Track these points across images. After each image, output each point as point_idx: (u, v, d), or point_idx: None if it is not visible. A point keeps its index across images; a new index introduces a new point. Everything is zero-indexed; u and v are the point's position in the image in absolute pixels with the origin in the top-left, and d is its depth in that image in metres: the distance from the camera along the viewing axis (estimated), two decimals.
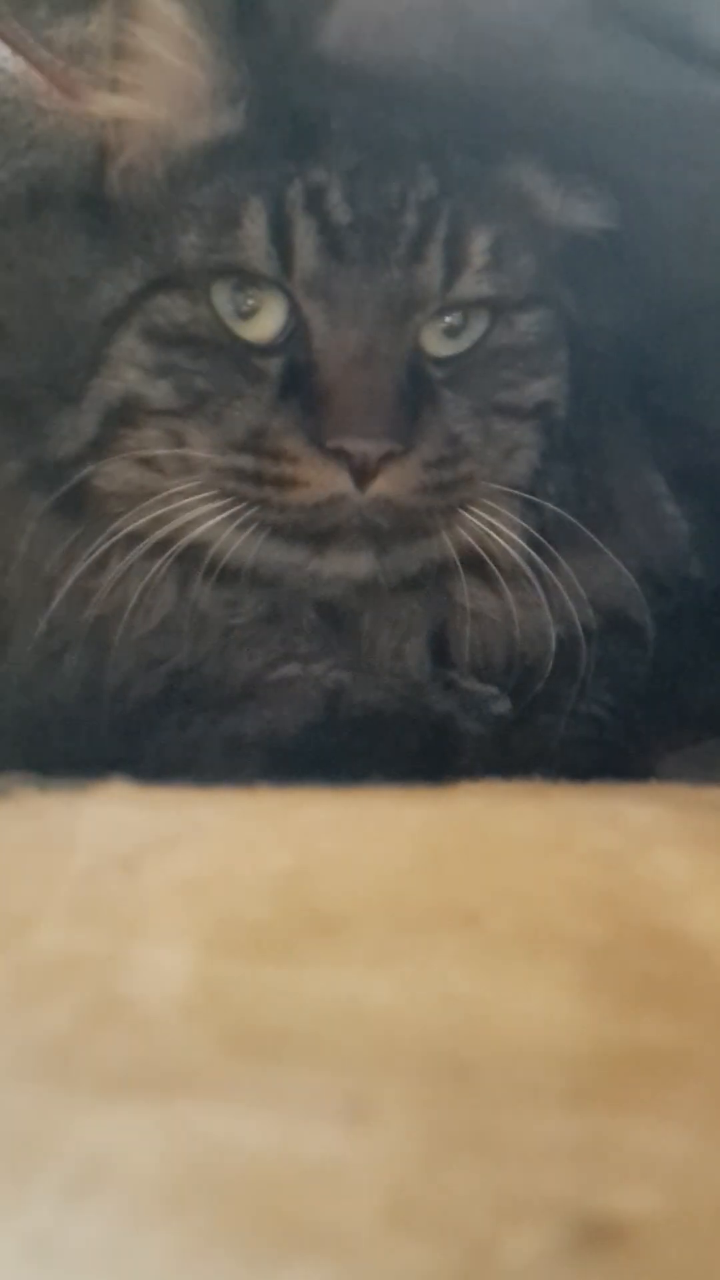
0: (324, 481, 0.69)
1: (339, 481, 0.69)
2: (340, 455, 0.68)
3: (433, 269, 0.71)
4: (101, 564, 0.71)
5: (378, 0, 0.79)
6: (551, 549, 0.75)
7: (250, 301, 0.71)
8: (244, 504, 0.70)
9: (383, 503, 0.69)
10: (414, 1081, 0.39)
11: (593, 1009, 0.42)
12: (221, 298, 0.71)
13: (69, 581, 0.71)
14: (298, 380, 0.70)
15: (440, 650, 0.76)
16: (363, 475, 0.68)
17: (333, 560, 0.72)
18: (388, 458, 0.69)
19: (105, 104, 0.75)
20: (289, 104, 0.73)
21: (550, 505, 0.75)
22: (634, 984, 0.44)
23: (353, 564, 0.72)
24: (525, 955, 0.45)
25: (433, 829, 0.52)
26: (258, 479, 0.69)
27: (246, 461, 0.70)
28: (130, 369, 0.72)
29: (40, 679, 0.73)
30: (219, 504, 0.70)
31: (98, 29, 0.74)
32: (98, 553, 0.71)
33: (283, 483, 0.69)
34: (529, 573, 0.74)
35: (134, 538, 0.71)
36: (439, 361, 0.72)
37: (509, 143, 0.75)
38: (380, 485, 0.69)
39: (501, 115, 0.74)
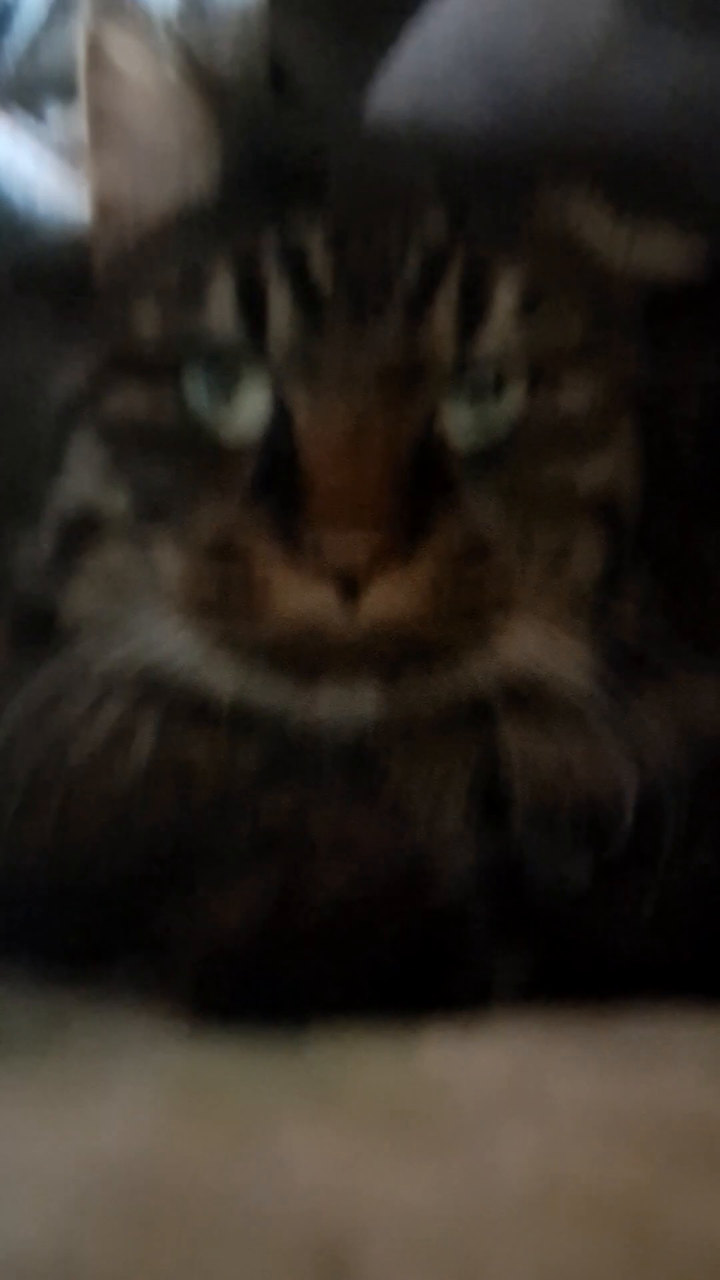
0: (302, 595, 0.55)
1: (321, 595, 0.54)
2: (322, 560, 0.54)
3: (442, 324, 0.57)
4: (72, 707, 0.59)
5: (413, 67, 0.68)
6: (631, 678, 0.58)
7: (226, 387, 0.58)
8: (213, 627, 0.57)
9: (382, 622, 0.55)
10: None
11: None
12: (194, 384, 0.59)
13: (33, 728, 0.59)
14: (278, 475, 0.57)
15: (492, 802, 0.60)
16: (351, 586, 0.54)
17: (328, 696, 0.57)
18: (383, 562, 0.54)
19: (89, 180, 0.65)
20: (280, 156, 0.62)
21: (625, 620, 0.59)
22: None
23: (354, 700, 0.57)
24: None
25: None
26: (224, 594, 0.56)
27: (211, 573, 0.56)
28: (85, 472, 0.60)
29: None
30: (187, 628, 0.57)
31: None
32: (58, 690, 0.59)
33: (251, 593, 0.55)
34: (604, 707, 0.58)
35: (106, 675, 0.59)
36: (460, 444, 0.58)
37: (548, 174, 0.60)
38: (376, 599, 0.54)
39: (540, 155, 0.60)
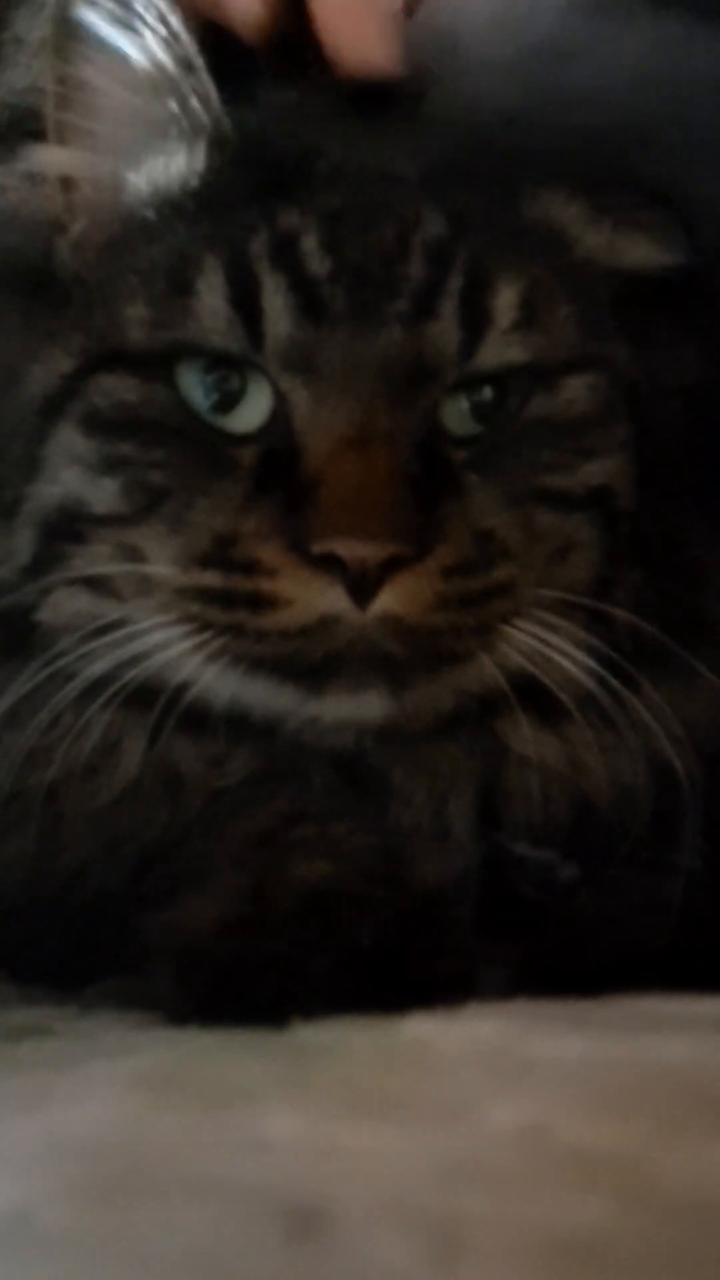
0: (311, 599, 0.53)
1: (331, 598, 0.53)
2: (331, 564, 0.52)
3: (447, 328, 0.56)
4: (55, 716, 0.56)
5: None
6: (631, 671, 0.57)
7: (223, 384, 0.56)
8: (212, 632, 0.54)
9: (392, 623, 0.53)
10: None
11: None
12: (190, 382, 0.56)
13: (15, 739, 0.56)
14: (279, 472, 0.54)
15: (490, 808, 0.59)
16: (362, 589, 0.52)
17: (334, 701, 0.55)
18: (394, 565, 0.52)
19: (52, 157, 0.61)
20: (265, 144, 0.59)
21: (623, 615, 0.58)
22: None
23: (361, 705, 0.55)
24: None
25: None
26: (227, 600, 0.54)
27: (213, 578, 0.54)
28: (68, 468, 0.57)
29: None
30: (181, 632, 0.55)
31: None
32: (41, 699, 0.56)
33: (259, 603, 0.53)
34: (606, 702, 0.57)
35: (91, 682, 0.56)
36: (462, 441, 0.57)
37: (529, 172, 0.60)
38: (386, 601, 0.53)
39: (509, 147, 0.59)
